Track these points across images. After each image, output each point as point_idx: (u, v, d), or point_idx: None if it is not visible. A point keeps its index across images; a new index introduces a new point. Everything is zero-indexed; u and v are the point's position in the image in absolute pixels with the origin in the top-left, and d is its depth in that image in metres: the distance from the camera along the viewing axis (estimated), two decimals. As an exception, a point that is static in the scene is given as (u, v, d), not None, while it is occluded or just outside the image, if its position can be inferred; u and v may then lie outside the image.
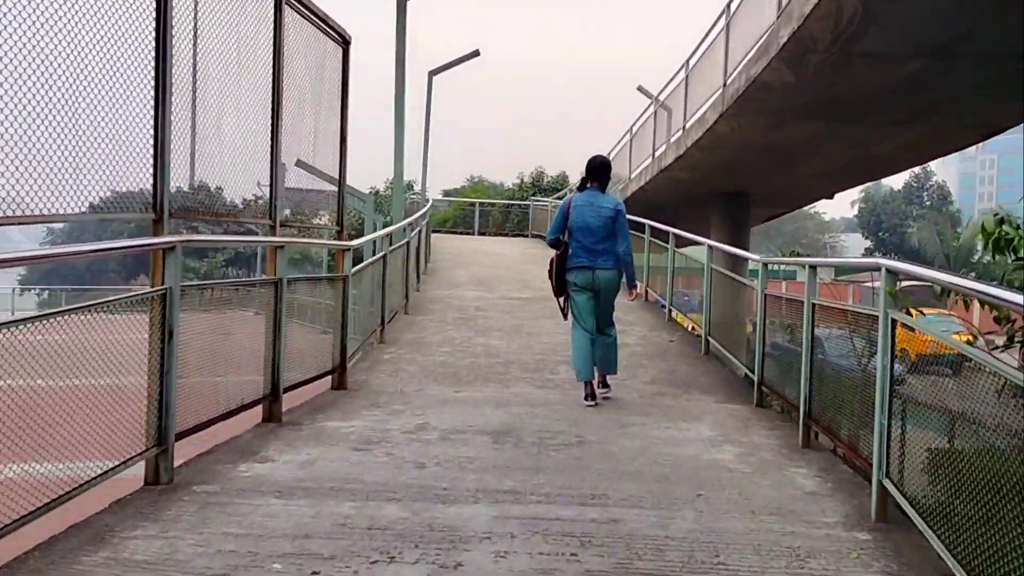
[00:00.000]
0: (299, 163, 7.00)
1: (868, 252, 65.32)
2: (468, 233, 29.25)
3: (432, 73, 21.05)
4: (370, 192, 42.17)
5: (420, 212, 15.61)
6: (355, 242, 7.85)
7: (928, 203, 63.07)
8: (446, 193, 48.45)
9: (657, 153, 16.59)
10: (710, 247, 9.76)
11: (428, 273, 16.18)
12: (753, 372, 7.61)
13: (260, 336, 5.92)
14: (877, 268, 4.51)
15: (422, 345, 9.74)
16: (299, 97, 6.58)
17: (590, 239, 7.39)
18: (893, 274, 4.37)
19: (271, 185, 6.10)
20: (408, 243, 12.13)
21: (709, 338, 9.65)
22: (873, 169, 15.25)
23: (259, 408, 5.88)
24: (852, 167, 14.48)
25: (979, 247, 41.80)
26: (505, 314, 12.08)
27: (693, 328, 11.33)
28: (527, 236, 27.51)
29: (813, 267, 6.01)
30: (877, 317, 4.42)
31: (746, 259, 8.86)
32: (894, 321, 4.28)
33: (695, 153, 14.00)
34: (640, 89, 20.43)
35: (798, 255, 10.41)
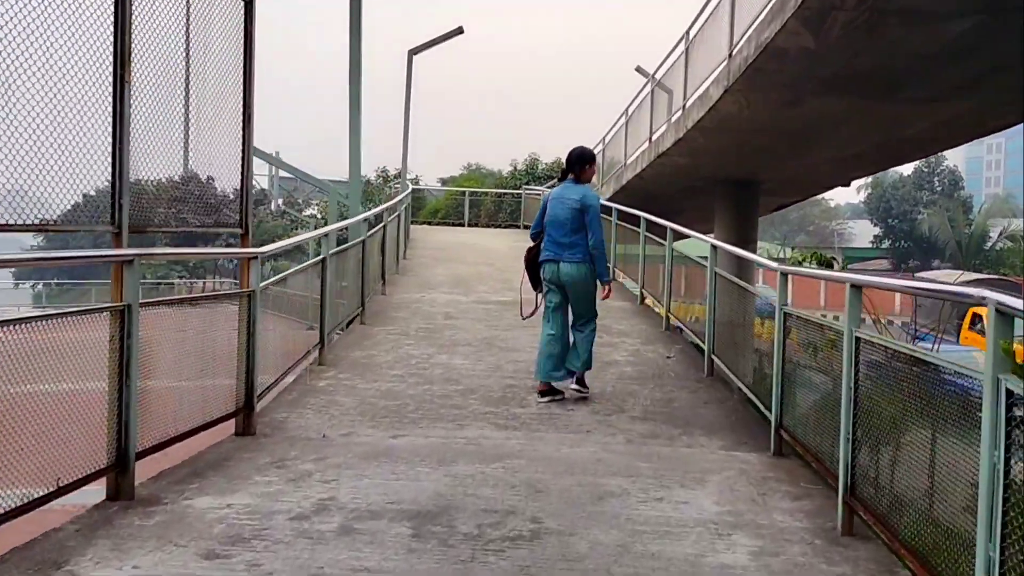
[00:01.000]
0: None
1: (877, 240, 63.53)
2: (459, 224, 27.64)
3: (412, 52, 19.38)
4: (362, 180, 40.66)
5: (387, 204, 13.95)
6: (266, 248, 6.25)
7: (939, 188, 61.19)
8: (443, 182, 46.90)
9: (654, 137, 14.92)
10: (714, 247, 8.14)
11: (402, 272, 14.57)
12: (768, 408, 6.03)
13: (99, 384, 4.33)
14: (981, 303, 2.91)
15: (370, 367, 8.14)
16: (164, 65, 4.95)
17: (559, 232, 7.29)
18: (1008, 318, 2.75)
19: (114, 180, 4.48)
20: (365, 241, 10.50)
21: (713, 357, 8.06)
22: (900, 153, 13.56)
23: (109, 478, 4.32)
24: (877, 151, 12.80)
25: (992, 234, 40.20)
26: (478, 323, 10.48)
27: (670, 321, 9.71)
28: (520, 227, 25.88)
29: (857, 287, 4.38)
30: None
31: (761, 266, 7.18)
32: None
33: (696, 136, 12.34)
34: (638, 69, 18.77)
35: (823, 258, 8.84)
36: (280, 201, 58.57)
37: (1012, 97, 9.28)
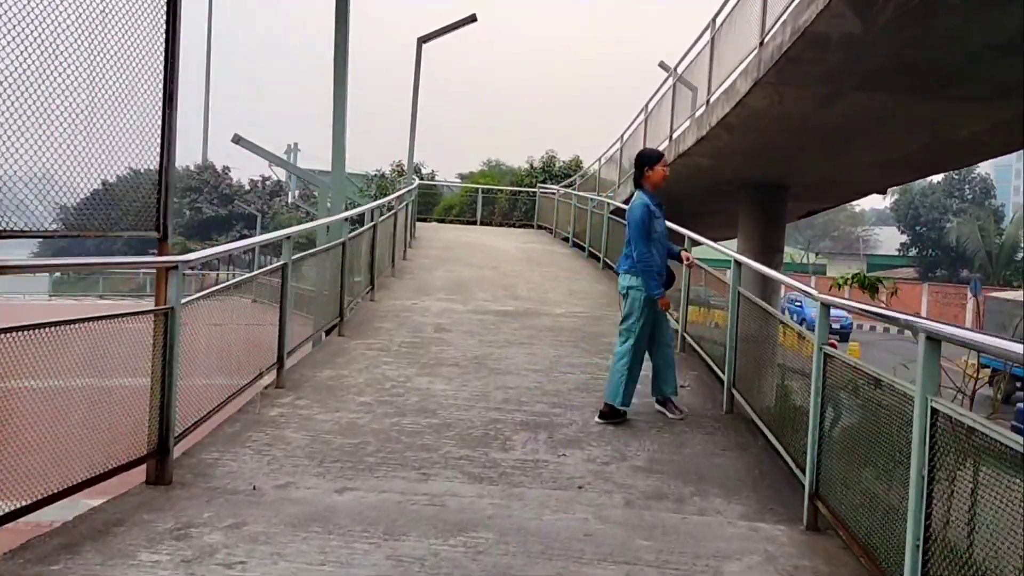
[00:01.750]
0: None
1: (904, 247, 61.83)
2: (472, 222, 26.55)
3: (422, 40, 18.30)
4: (374, 175, 39.63)
5: (379, 201, 12.84)
6: (190, 256, 5.14)
7: (970, 196, 59.38)
8: (462, 177, 45.90)
9: (675, 135, 13.73)
10: (737, 263, 6.98)
11: (398, 274, 13.48)
12: (801, 469, 4.91)
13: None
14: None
15: (335, 392, 7.05)
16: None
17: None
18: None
19: None
20: (346, 243, 9.40)
21: (733, 391, 6.92)
22: (948, 157, 12.29)
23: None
24: (922, 154, 11.54)
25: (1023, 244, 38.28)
26: (471, 337, 9.39)
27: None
28: (534, 227, 24.78)
29: (935, 339, 3.23)
30: None
31: (801, 292, 5.93)
32: None
33: (721, 134, 11.16)
34: (661, 65, 17.61)
35: (867, 280, 7.61)
36: (296, 194, 57.95)
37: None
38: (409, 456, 5.57)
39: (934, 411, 3.14)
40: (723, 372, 7.29)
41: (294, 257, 7.20)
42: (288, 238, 7.02)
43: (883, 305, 6.75)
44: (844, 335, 35.66)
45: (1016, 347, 2.63)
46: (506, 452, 5.77)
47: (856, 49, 7.69)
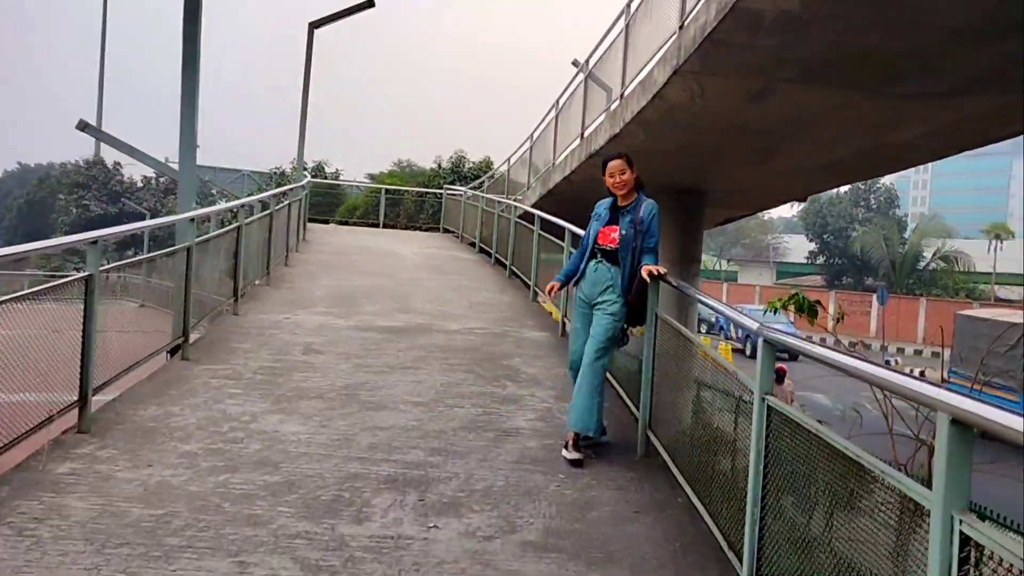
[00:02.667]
0: None
1: (812, 255, 62.61)
2: (375, 225, 25.06)
3: (313, 25, 16.78)
4: (273, 172, 37.66)
5: (252, 198, 11.31)
6: None
7: (875, 206, 60.44)
8: (372, 178, 44.27)
9: (587, 132, 12.61)
10: (656, 277, 5.78)
11: (275, 283, 11.95)
12: (739, 553, 3.76)
13: None
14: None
15: (154, 437, 5.59)
16: None
17: None
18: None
19: None
20: (192, 248, 7.89)
21: (649, 434, 5.76)
22: (876, 164, 11.46)
23: None
24: (851, 160, 10.64)
25: (926, 254, 38.97)
26: (346, 361, 8.02)
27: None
28: (440, 231, 23.46)
29: (963, 424, 2.07)
30: None
31: (740, 327, 4.76)
32: None
33: (636, 132, 10.06)
34: (575, 63, 16.57)
35: (805, 304, 6.53)
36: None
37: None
38: (227, 534, 4.19)
39: (964, 537, 1.99)
40: (637, 408, 6.13)
41: (108, 265, 5.71)
42: (95, 242, 5.53)
43: (831, 334, 5.69)
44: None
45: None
46: (360, 524, 4.45)
47: (793, 32, 6.62)
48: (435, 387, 7.29)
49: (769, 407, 3.55)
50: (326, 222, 25.58)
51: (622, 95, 10.49)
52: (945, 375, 21.24)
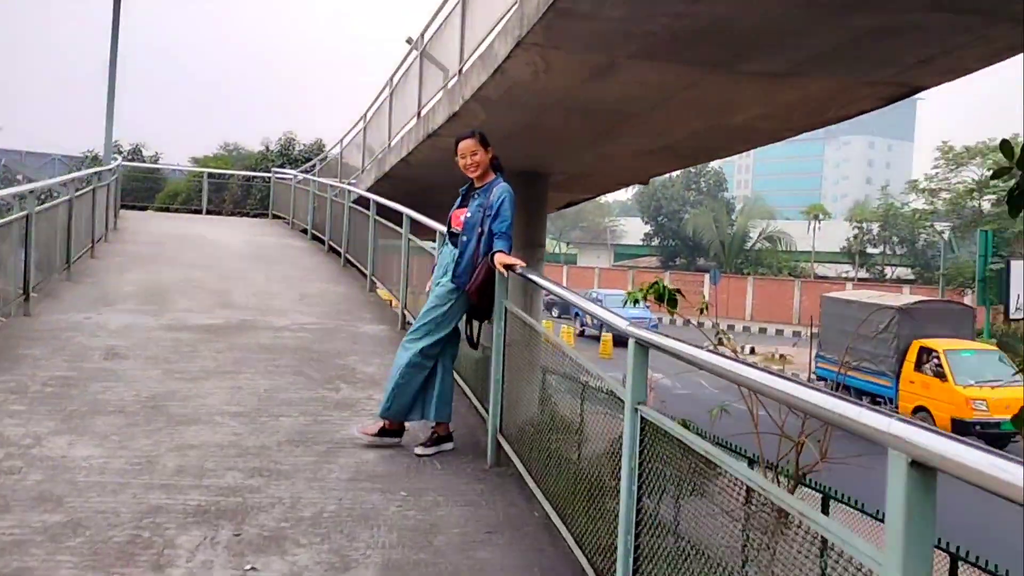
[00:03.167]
0: None
1: (648, 237, 64.41)
2: (198, 211, 23.41)
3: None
4: (85, 156, 34.82)
5: (34, 185, 9.95)
6: None
7: (705, 189, 62.74)
8: (196, 162, 41.82)
9: (424, 111, 11.93)
10: (507, 265, 5.22)
11: (76, 278, 10.59)
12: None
13: None
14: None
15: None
16: None
17: None
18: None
19: None
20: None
21: (500, 439, 5.21)
22: (719, 145, 11.33)
23: None
24: (692, 142, 10.47)
25: (752, 234, 40.82)
26: (155, 366, 7.05)
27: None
28: (269, 217, 22.16)
29: (925, 467, 1.58)
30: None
31: (609, 326, 4.18)
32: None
33: (477, 110, 9.47)
34: (409, 41, 15.80)
35: (663, 291, 6.14)
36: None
37: (872, 78, 7.11)
38: (-20, 605, 3.32)
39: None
40: (487, 410, 5.59)
41: None
42: None
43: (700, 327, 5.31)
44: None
45: None
46: (160, 572, 3.66)
47: (640, 2, 6.19)
48: (257, 394, 6.47)
49: (643, 419, 3.05)
50: (144, 209, 23.77)
51: (460, 71, 9.87)
52: (815, 368, 21.03)
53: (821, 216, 53.26)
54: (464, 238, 5.40)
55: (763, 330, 40.99)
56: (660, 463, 2.99)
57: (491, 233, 5.30)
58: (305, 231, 17.48)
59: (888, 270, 52.17)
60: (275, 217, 21.58)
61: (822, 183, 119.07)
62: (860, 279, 50.05)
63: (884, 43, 6.65)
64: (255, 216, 23.01)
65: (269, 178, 23.24)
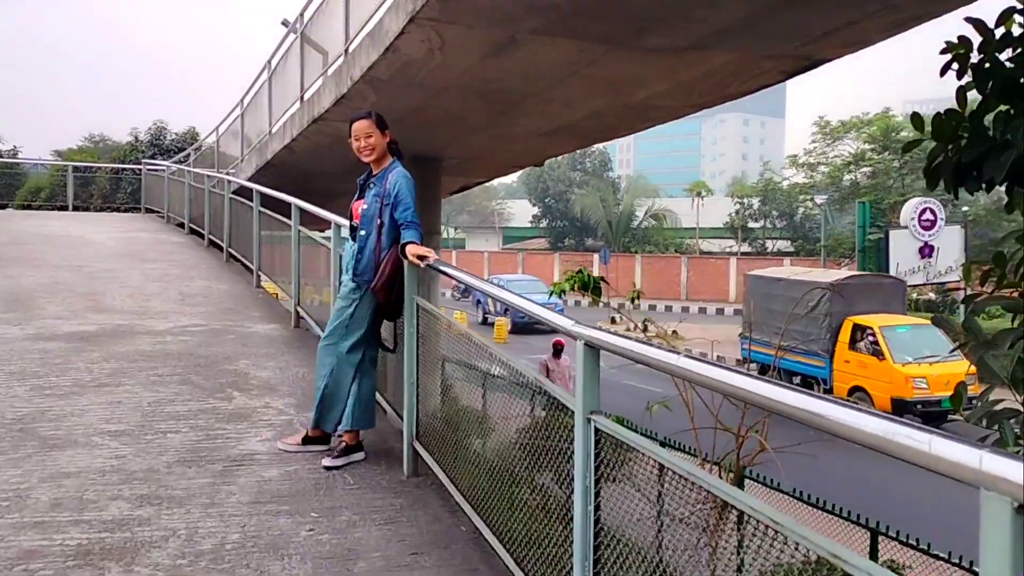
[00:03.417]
0: None
1: (536, 219, 64.55)
2: (64, 208, 21.90)
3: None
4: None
5: None
6: None
7: (591, 169, 63.20)
8: (60, 155, 39.36)
9: (308, 94, 11.26)
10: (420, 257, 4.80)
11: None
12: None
13: None
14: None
15: None
16: None
17: None
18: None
19: None
20: None
21: (417, 447, 4.79)
22: (616, 124, 11.03)
23: None
24: (592, 121, 10.16)
25: (638, 213, 41.37)
26: (20, 382, 6.33)
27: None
28: (142, 211, 20.92)
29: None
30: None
31: (557, 328, 3.78)
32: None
33: (367, 92, 8.92)
34: (285, 23, 15.01)
35: (589, 280, 5.83)
36: None
37: (783, 47, 6.97)
38: None
39: None
40: (399, 414, 5.17)
41: None
42: None
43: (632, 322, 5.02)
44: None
45: None
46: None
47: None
48: (140, 408, 5.85)
49: (598, 430, 2.69)
50: (4, 207, 22.10)
51: (346, 51, 9.29)
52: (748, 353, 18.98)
53: (704, 193, 54.44)
54: (363, 232, 4.98)
55: (652, 307, 41.59)
56: (620, 480, 2.65)
57: (393, 224, 4.89)
58: (182, 225, 16.50)
59: (769, 243, 53.81)
60: (148, 211, 20.37)
61: (700, 160, 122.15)
62: (743, 253, 51.49)
63: (790, 15, 6.50)
64: (127, 211, 21.69)
65: (140, 170, 21.92)
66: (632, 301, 5.45)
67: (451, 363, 4.44)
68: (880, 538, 7.82)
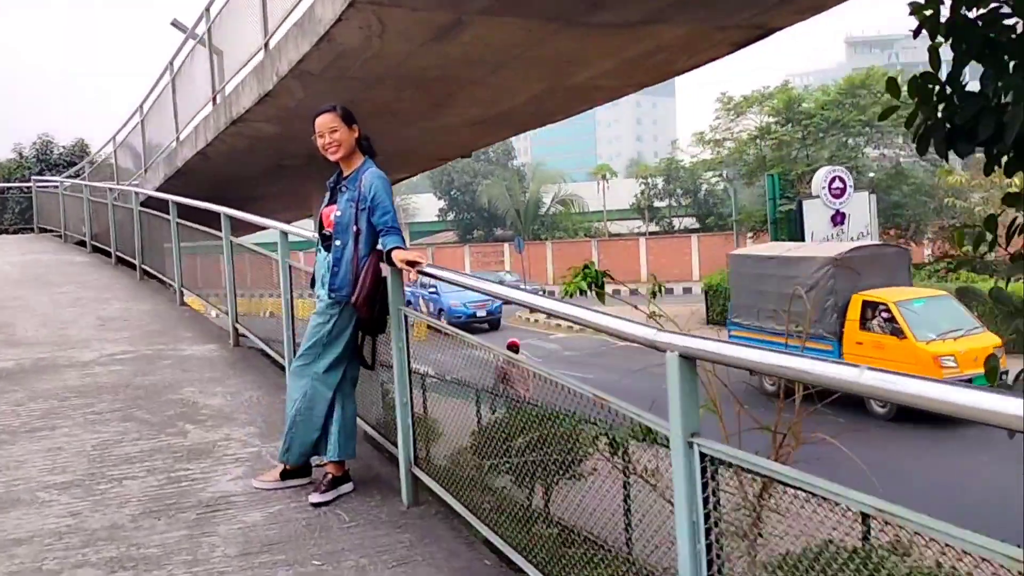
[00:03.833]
0: None
1: (443, 213, 63.86)
2: (-54, 233, 20.34)
3: None
4: None
5: None
6: None
7: (494, 159, 62.82)
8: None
9: (225, 94, 10.48)
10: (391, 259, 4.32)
11: None
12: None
13: None
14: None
15: None
16: None
17: None
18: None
19: None
20: None
21: (417, 471, 4.32)
22: (552, 109, 10.60)
23: None
24: (529, 106, 9.73)
25: (546, 200, 41.30)
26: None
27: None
28: (35, 230, 19.58)
29: None
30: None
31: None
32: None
33: (295, 88, 8.29)
34: (175, 24, 14.09)
35: (599, 276, 5.40)
36: None
37: (737, 16, 6.71)
38: None
39: None
40: (385, 437, 4.71)
41: None
42: None
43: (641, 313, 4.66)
44: (494, 322, 32.99)
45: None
46: None
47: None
48: (85, 453, 5.19)
49: (703, 454, 2.30)
50: None
51: (265, 44, 8.64)
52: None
53: (608, 176, 54.76)
54: (338, 242, 4.47)
55: (616, 292, 41.49)
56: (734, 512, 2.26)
57: (371, 230, 4.41)
58: (83, 243, 15.41)
59: (676, 221, 54.52)
60: (43, 231, 19.05)
61: (596, 144, 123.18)
62: (651, 233, 52.04)
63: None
64: (17, 232, 20.26)
65: (30, 187, 20.48)
66: (654, 295, 5.04)
67: (465, 384, 3.98)
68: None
